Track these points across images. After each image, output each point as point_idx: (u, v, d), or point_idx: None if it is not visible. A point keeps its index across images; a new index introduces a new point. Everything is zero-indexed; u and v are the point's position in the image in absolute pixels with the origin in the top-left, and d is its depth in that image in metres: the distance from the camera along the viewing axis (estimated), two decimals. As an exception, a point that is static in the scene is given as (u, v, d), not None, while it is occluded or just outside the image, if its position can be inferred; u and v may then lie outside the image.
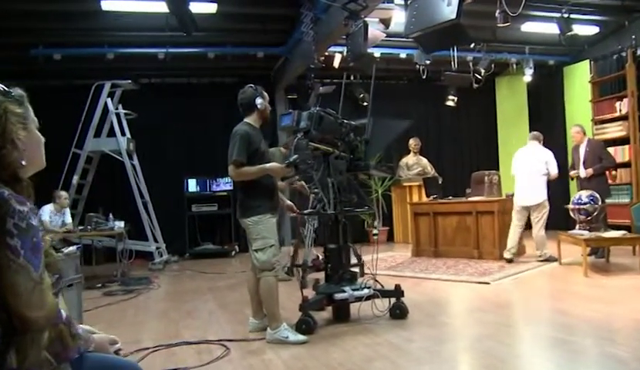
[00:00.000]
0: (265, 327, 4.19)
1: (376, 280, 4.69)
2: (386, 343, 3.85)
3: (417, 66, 9.54)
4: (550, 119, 10.81)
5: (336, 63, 9.19)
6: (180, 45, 8.83)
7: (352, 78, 10.88)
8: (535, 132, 7.63)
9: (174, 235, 9.64)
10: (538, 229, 7.21)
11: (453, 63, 9.90)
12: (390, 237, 10.94)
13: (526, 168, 7.32)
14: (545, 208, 7.22)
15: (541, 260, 7.15)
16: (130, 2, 7.45)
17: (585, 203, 6.56)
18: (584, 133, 7.57)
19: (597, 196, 6.67)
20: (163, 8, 6.92)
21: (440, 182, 9.59)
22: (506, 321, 4.39)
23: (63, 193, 7.50)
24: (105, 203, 8.86)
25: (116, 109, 9.02)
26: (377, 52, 9.78)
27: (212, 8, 7.79)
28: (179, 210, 9.77)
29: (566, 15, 8.52)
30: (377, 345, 3.80)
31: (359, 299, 4.46)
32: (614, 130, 9.29)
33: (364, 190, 10.77)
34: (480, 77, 9.96)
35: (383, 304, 4.57)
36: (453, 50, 9.77)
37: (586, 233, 6.31)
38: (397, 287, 4.65)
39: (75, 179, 8.64)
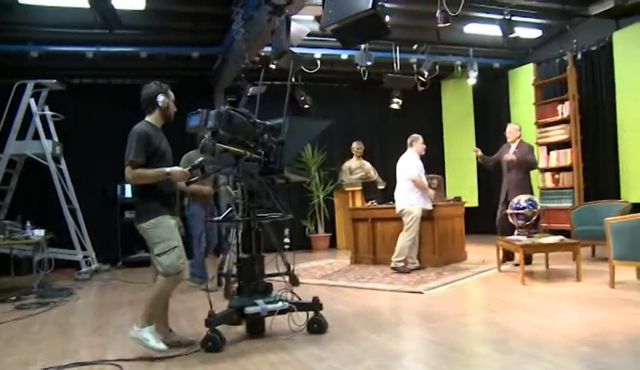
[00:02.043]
0: (172, 343, 3.95)
1: (293, 293, 4.38)
2: (294, 362, 3.53)
3: (358, 68, 9.29)
4: (495, 122, 10.71)
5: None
6: (110, 44, 8.38)
7: (293, 79, 10.57)
8: (412, 135, 7.51)
9: (106, 243, 9.14)
10: (404, 236, 7.10)
11: (395, 65, 9.73)
12: (333, 244, 10.67)
13: (398, 174, 7.36)
14: (412, 214, 7.05)
15: (392, 267, 7.07)
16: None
17: (523, 208, 6.39)
18: (520, 135, 7.39)
19: (536, 200, 6.53)
20: (85, 2, 6.50)
21: (382, 187, 9.37)
22: (431, 335, 4.12)
23: None
24: (30, 209, 8.31)
25: (42, 110, 8.48)
26: (317, 53, 9.54)
27: (140, 4, 7.39)
28: (111, 216, 9.27)
29: (508, 17, 8.41)
30: (283, 364, 3.48)
31: (273, 313, 4.14)
32: (557, 133, 9.23)
33: (305, 195, 10.66)
34: (423, 79, 9.79)
35: (301, 319, 4.27)
36: (396, 52, 9.61)
37: (523, 239, 6.14)
38: (315, 299, 4.34)
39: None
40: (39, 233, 6.91)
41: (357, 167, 10.30)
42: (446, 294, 5.65)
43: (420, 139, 7.41)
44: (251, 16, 6.98)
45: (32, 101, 8.19)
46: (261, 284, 4.28)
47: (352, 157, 10.34)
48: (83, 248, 8.41)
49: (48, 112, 8.55)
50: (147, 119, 4.08)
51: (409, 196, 7.13)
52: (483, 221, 9.83)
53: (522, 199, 6.45)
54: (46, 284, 6.99)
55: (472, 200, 10.76)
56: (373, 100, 11.24)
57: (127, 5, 7.31)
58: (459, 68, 10.46)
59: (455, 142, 11.63)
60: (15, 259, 7.71)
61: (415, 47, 9.71)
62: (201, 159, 4.05)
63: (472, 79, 10.16)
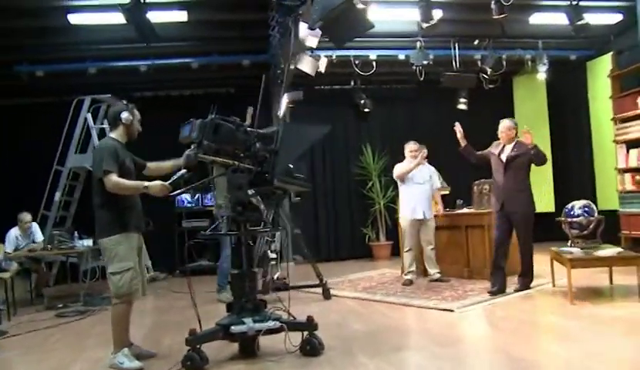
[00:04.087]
0: (135, 354, 4.00)
1: (289, 313, 4.11)
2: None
3: (414, 68, 8.80)
4: (574, 120, 9.76)
5: (322, 67, 8.61)
6: (162, 56, 8.57)
7: (352, 83, 10.27)
8: None
9: (165, 251, 9.34)
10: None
11: (454, 63, 9.12)
12: (396, 252, 10.18)
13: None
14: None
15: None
16: (95, 15, 7.21)
17: (578, 216, 5.66)
18: (517, 133, 5.91)
19: (593, 207, 5.75)
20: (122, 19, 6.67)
21: (447, 192, 8.77)
22: (429, 363, 3.67)
23: (24, 216, 7.32)
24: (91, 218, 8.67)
25: (102, 123, 8.83)
26: (373, 54, 9.19)
27: (182, 16, 7.47)
28: (169, 224, 9.46)
29: (575, 3, 7.61)
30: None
31: (260, 333, 3.88)
32: (638, 130, 8.15)
33: (366, 201, 10.29)
34: (487, 77, 9.11)
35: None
36: (455, 49, 9.01)
37: (575, 252, 5.40)
38: (309, 319, 4.03)
39: (57, 196, 8.51)
40: (86, 242, 7.14)
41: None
42: (480, 313, 5.10)
43: (407, 145, 7.14)
44: (283, 21, 6.80)
45: (89, 116, 8.57)
46: (251, 301, 4.04)
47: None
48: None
49: (107, 126, 8.88)
50: (112, 135, 4.18)
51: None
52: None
53: (576, 205, 5.72)
54: (93, 293, 7.20)
55: (546, 204, 9.82)
56: (439, 101, 10.63)
57: (170, 18, 7.43)
58: (530, 63, 9.61)
59: (530, 143, 10.74)
60: (71, 266, 8.05)
61: (476, 42, 9.04)
62: (183, 171, 3.95)
63: (542, 73, 9.28)
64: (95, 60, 8.50)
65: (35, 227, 7.52)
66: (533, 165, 5.72)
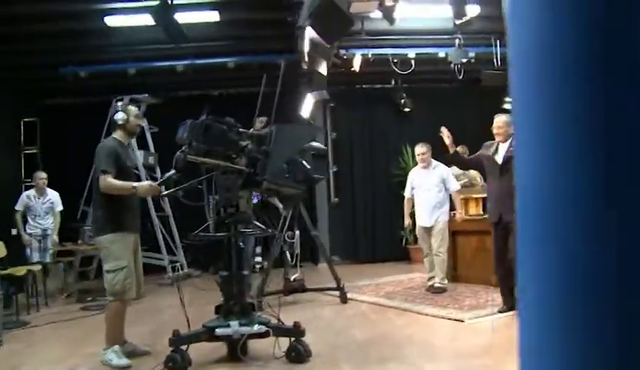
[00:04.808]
0: (127, 352, 4.08)
1: (277, 318, 4.04)
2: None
3: (452, 66, 8.50)
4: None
5: (356, 66, 8.48)
6: (198, 56, 8.69)
7: (392, 82, 10.06)
8: None
9: (200, 248, 9.47)
10: None
11: (495, 60, 8.73)
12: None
13: None
14: None
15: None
16: (128, 17, 7.41)
17: None
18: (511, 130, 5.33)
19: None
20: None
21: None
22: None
23: (39, 174, 7.39)
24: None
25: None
26: (411, 52, 8.94)
27: (214, 16, 7.54)
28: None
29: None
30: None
31: (245, 336, 3.83)
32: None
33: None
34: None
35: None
36: (496, 46, 8.63)
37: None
38: (296, 324, 3.94)
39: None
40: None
41: (460, 174, 9.42)
42: (490, 326, 4.82)
43: (416, 147, 7.05)
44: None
45: (127, 115, 8.80)
46: (239, 304, 4.00)
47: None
48: (173, 253, 8.81)
49: (145, 125, 9.11)
50: (114, 135, 4.29)
51: None
52: None
53: None
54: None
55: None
56: (482, 100, 10.20)
57: (201, 18, 7.51)
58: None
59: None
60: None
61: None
62: (171, 172, 3.98)
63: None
64: (134, 61, 8.73)
65: (55, 195, 7.46)
66: None
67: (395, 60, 8.98)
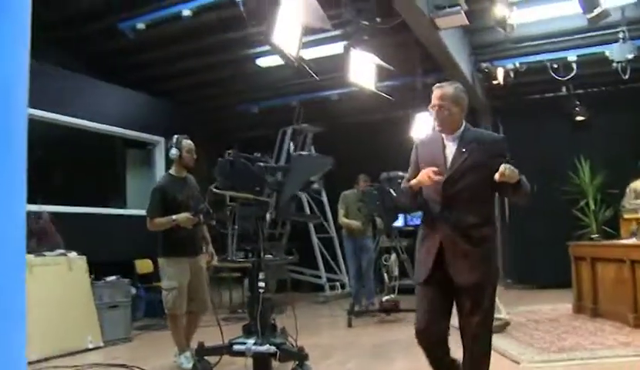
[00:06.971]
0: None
1: (294, 339, 4.27)
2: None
3: (615, 65, 7.35)
4: None
5: (500, 78, 7.95)
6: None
7: (563, 90, 9.03)
8: None
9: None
10: None
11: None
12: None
13: None
14: None
15: None
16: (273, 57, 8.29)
17: None
18: None
19: None
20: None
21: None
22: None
23: None
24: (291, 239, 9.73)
25: (309, 151, 9.92)
26: (572, 55, 8.01)
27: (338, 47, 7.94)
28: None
29: None
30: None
31: (251, 354, 4.17)
32: None
33: (576, 222, 8.71)
34: None
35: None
36: None
37: None
38: (300, 349, 4.12)
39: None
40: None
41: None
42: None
43: None
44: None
45: (291, 144, 9.74)
46: (260, 323, 4.33)
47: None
48: (334, 272, 9.42)
49: (312, 153, 9.92)
50: (170, 171, 4.87)
51: None
52: None
53: None
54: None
55: None
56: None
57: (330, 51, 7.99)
58: None
59: None
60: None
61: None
62: (204, 204, 4.51)
63: None
64: (297, 94, 9.67)
65: None
66: None
67: (556, 65, 8.17)
